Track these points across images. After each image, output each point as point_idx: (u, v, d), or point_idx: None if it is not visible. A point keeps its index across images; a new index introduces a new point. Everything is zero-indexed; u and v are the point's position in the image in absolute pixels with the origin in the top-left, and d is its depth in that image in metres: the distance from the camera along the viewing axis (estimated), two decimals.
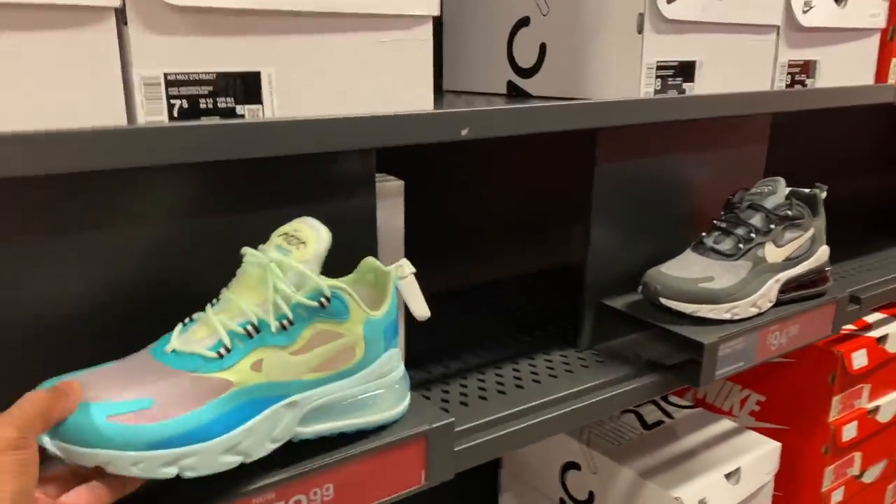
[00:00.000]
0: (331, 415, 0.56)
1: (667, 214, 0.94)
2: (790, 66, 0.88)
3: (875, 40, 0.98)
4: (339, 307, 0.54)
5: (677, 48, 0.76)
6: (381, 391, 0.59)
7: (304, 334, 0.53)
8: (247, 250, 0.54)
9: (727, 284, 0.84)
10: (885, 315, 1.25)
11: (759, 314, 0.87)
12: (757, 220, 0.88)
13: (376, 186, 0.69)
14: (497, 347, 0.91)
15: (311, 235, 0.54)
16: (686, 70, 0.77)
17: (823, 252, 0.93)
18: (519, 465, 1.15)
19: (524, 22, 0.86)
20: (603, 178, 0.85)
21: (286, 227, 0.55)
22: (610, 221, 0.88)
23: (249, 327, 0.51)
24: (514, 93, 0.89)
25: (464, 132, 0.60)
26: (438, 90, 1.00)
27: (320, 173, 0.63)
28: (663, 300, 0.84)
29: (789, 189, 0.95)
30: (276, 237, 0.55)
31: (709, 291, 0.83)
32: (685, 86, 0.78)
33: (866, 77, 0.99)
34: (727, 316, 0.84)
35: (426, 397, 0.79)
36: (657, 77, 0.75)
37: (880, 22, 0.97)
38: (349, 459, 0.57)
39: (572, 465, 1.07)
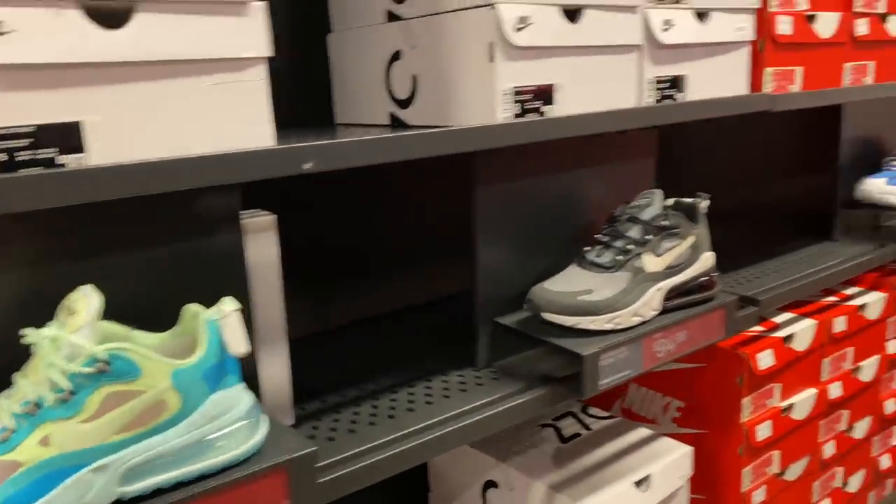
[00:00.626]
0: (160, 468, 0.57)
1: (557, 231, 0.97)
2: (658, 82, 0.92)
3: (745, 52, 1.02)
4: (124, 367, 0.55)
5: (533, 73, 0.79)
6: (219, 433, 0.59)
7: (90, 401, 0.54)
8: (25, 331, 0.54)
9: (606, 296, 0.87)
10: (794, 314, 1.28)
11: (644, 323, 0.90)
12: (635, 231, 0.91)
13: (244, 222, 0.71)
14: (396, 372, 0.93)
15: (81, 303, 0.55)
16: (544, 93, 0.80)
17: (707, 258, 0.96)
18: (445, 486, 1.16)
19: (397, 56, 0.89)
20: (484, 200, 0.88)
21: (67, 299, 0.56)
22: (497, 242, 0.90)
23: (30, 406, 0.53)
24: (396, 123, 0.92)
25: (306, 166, 0.62)
26: (331, 123, 1.02)
27: (181, 212, 0.65)
28: (545, 315, 0.86)
29: (674, 200, 0.99)
30: (60, 311, 0.56)
31: (588, 304, 0.86)
32: (544, 108, 0.81)
33: (740, 87, 1.03)
34: (609, 326, 0.87)
35: (315, 427, 0.80)
36: (516, 102, 0.78)
37: (748, 35, 1.01)
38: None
39: (492, 484, 1.08)
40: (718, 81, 0.99)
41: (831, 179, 1.44)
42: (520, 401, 0.84)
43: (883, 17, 1.25)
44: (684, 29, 0.92)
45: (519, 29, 0.76)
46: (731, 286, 1.17)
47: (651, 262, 0.90)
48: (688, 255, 0.94)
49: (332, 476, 0.68)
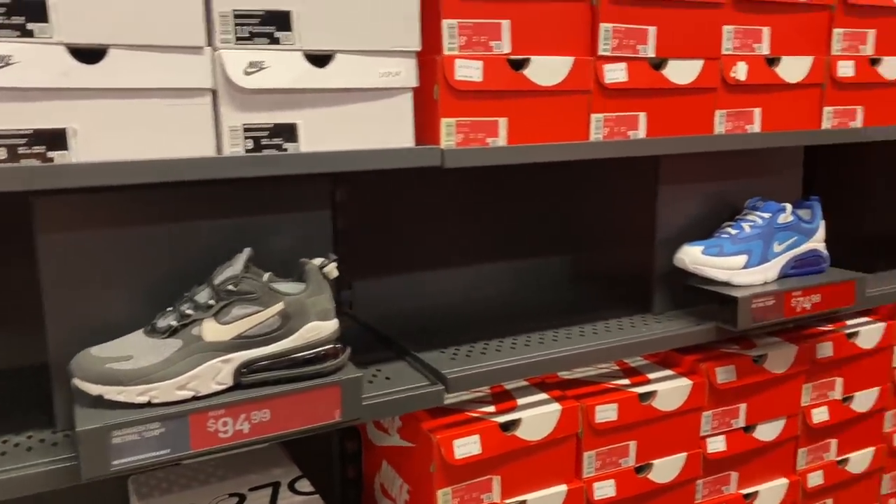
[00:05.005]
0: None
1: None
2: (247, 130, 0.82)
3: (405, 100, 0.90)
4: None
5: (36, 117, 0.73)
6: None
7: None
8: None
9: (140, 365, 0.78)
10: (546, 396, 1.11)
11: (196, 398, 0.80)
12: (203, 295, 0.82)
13: None
14: None
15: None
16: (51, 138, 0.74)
17: (316, 329, 0.85)
18: None
19: None
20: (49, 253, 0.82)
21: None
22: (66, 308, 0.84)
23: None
24: None
25: None
26: None
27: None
28: (75, 381, 0.78)
29: (303, 260, 0.88)
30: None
31: (116, 372, 0.77)
32: (52, 154, 0.74)
33: (402, 139, 0.91)
34: (142, 399, 0.78)
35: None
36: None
37: (404, 81, 0.89)
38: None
39: None
40: (361, 132, 0.88)
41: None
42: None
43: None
44: (283, 73, 0.82)
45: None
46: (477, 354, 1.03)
47: (213, 330, 0.81)
48: (276, 325, 0.83)
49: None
